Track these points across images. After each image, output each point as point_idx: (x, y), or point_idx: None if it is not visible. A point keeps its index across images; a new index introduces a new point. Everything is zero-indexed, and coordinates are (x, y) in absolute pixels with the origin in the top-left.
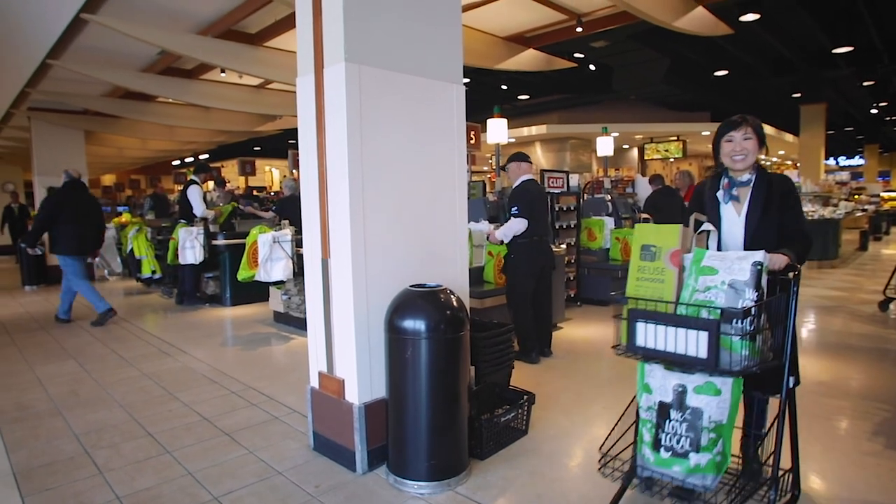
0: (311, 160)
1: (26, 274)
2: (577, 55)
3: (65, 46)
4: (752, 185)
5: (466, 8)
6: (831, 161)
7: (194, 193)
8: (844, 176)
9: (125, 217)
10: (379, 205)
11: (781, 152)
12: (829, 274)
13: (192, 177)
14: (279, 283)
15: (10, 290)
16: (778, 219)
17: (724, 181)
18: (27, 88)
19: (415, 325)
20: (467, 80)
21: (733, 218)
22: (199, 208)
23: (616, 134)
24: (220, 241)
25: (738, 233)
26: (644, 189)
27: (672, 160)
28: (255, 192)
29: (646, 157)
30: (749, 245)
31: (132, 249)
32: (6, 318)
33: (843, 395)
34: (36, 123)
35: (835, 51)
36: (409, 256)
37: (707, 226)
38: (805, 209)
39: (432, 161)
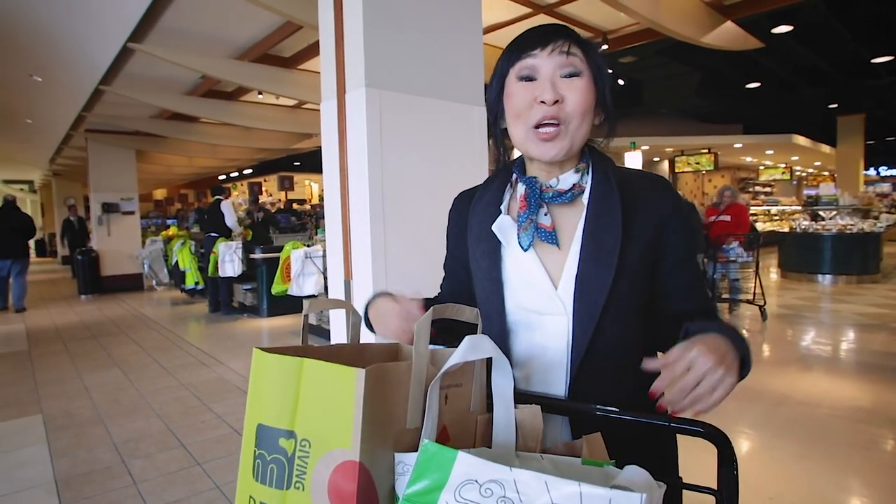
0: (335, 183)
1: (82, 284)
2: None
3: (115, 74)
4: (586, 198)
5: (491, 29)
6: (871, 171)
7: (227, 208)
8: (886, 187)
9: (172, 230)
10: (400, 226)
11: (818, 163)
12: (869, 289)
13: (218, 196)
14: (311, 297)
15: (67, 299)
16: (647, 279)
17: (521, 190)
18: (84, 112)
19: None
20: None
21: (540, 287)
22: (231, 220)
23: (646, 147)
24: (258, 255)
25: (558, 336)
26: None
27: (704, 172)
28: (294, 206)
29: (676, 170)
30: (582, 361)
31: (177, 261)
32: (62, 326)
33: (884, 422)
34: (92, 144)
35: (874, 60)
36: (429, 277)
37: (475, 346)
38: (843, 222)
39: (453, 182)
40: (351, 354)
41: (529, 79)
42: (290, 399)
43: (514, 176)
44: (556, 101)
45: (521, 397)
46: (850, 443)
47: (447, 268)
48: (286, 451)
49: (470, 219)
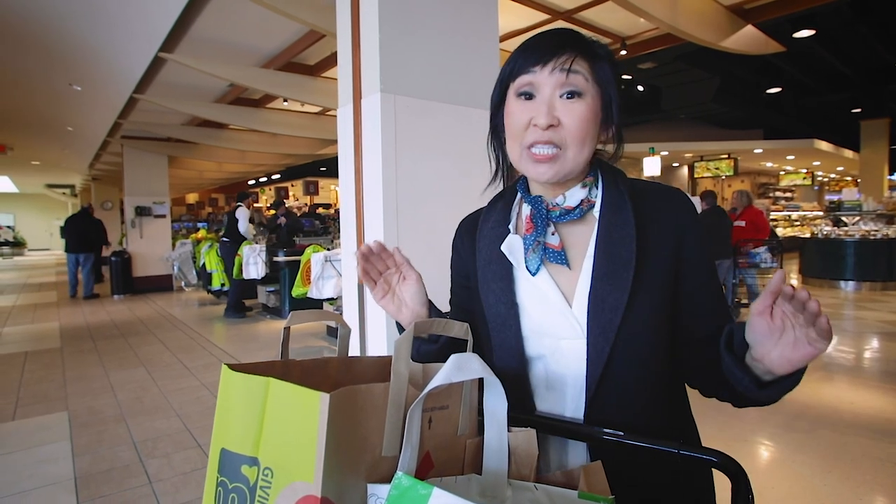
0: (350, 188)
1: (115, 284)
2: (624, 77)
3: (148, 82)
4: (596, 213)
5: (508, 36)
6: None
7: (242, 214)
8: None
9: (201, 233)
10: (413, 231)
11: (840, 168)
12: (894, 297)
13: (239, 203)
14: (331, 300)
15: (101, 299)
16: (669, 297)
17: (526, 211)
18: (119, 120)
19: None
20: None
21: (555, 309)
22: (243, 226)
23: (665, 152)
24: (281, 258)
25: (576, 360)
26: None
27: (723, 178)
28: (319, 210)
29: (696, 176)
30: (598, 385)
31: (204, 263)
32: (93, 325)
33: None
34: (127, 150)
35: None
36: (442, 282)
37: (461, 366)
38: (867, 228)
39: (467, 187)
40: (337, 370)
41: (528, 96)
42: (254, 422)
43: (519, 195)
44: (552, 125)
45: (522, 418)
46: (877, 457)
47: (456, 300)
48: (248, 480)
49: (478, 242)
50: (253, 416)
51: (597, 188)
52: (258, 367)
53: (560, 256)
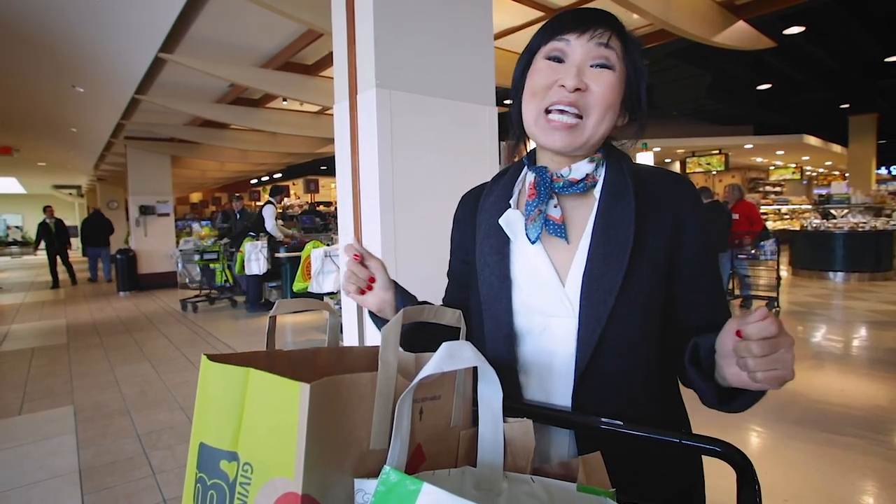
0: (347, 183)
1: (121, 281)
2: None
3: (149, 83)
4: (599, 190)
5: (504, 34)
6: (883, 171)
7: (269, 212)
8: None
9: (205, 231)
10: (410, 225)
11: (828, 163)
12: (882, 287)
13: (269, 198)
14: (331, 294)
15: (107, 296)
16: (665, 283)
17: (530, 178)
18: (122, 120)
19: None
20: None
21: (547, 285)
22: (269, 224)
23: (658, 149)
24: (282, 254)
25: (565, 340)
26: None
27: (714, 173)
28: (317, 208)
29: (687, 171)
30: (587, 368)
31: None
32: (99, 321)
33: None
34: (131, 150)
35: (887, 59)
36: (439, 275)
37: (453, 354)
38: (855, 220)
39: (463, 181)
40: (327, 360)
41: (558, 60)
42: (233, 415)
43: (525, 169)
44: (578, 90)
45: (517, 408)
46: (868, 442)
47: (452, 274)
48: (227, 476)
49: (478, 216)
50: (232, 409)
51: (602, 167)
52: (241, 358)
53: (560, 229)
